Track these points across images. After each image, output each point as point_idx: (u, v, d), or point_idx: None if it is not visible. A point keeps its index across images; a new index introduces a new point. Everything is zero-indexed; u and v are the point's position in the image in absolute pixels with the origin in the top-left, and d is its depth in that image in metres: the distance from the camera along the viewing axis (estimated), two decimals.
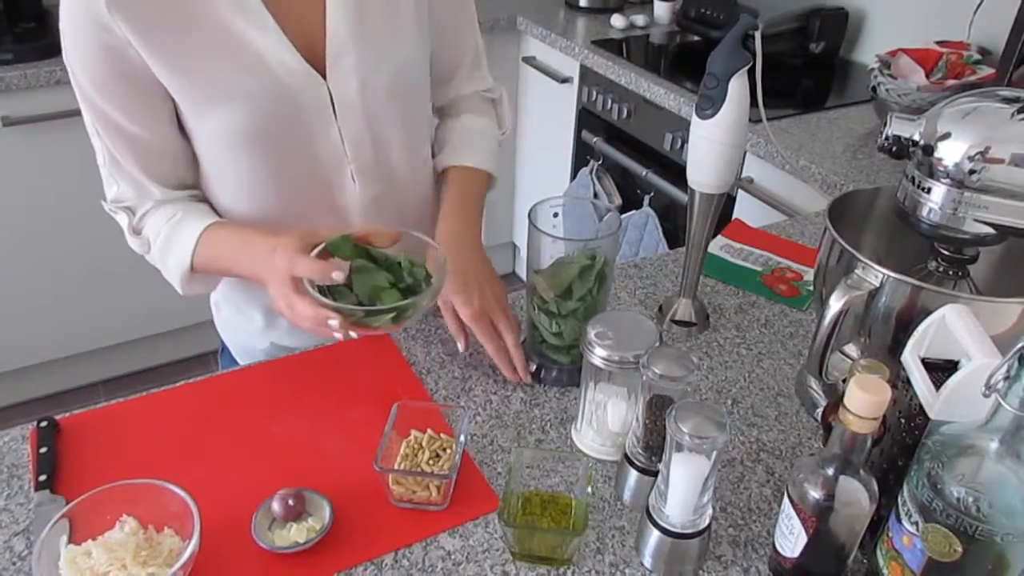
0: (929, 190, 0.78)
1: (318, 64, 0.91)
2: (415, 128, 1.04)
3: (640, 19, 2.41)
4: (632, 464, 0.81)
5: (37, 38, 2.02)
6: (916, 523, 0.63)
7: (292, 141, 0.94)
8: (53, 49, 1.98)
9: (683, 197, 1.91)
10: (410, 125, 1.02)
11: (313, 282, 0.81)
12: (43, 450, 0.83)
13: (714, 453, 0.68)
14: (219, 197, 1.00)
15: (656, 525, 0.73)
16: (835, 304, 0.78)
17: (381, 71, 0.95)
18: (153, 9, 0.83)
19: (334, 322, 0.79)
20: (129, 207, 0.96)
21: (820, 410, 0.91)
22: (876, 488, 0.66)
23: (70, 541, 0.70)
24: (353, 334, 0.81)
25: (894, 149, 0.80)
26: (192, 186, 0.99)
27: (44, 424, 0.86)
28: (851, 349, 0.87)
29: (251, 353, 1.18)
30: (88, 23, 0.82)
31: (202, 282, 0.99)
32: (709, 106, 0.90)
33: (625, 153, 2.14)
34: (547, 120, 2.51)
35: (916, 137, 0.79)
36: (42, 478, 0.81)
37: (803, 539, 0.69)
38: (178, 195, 0.97)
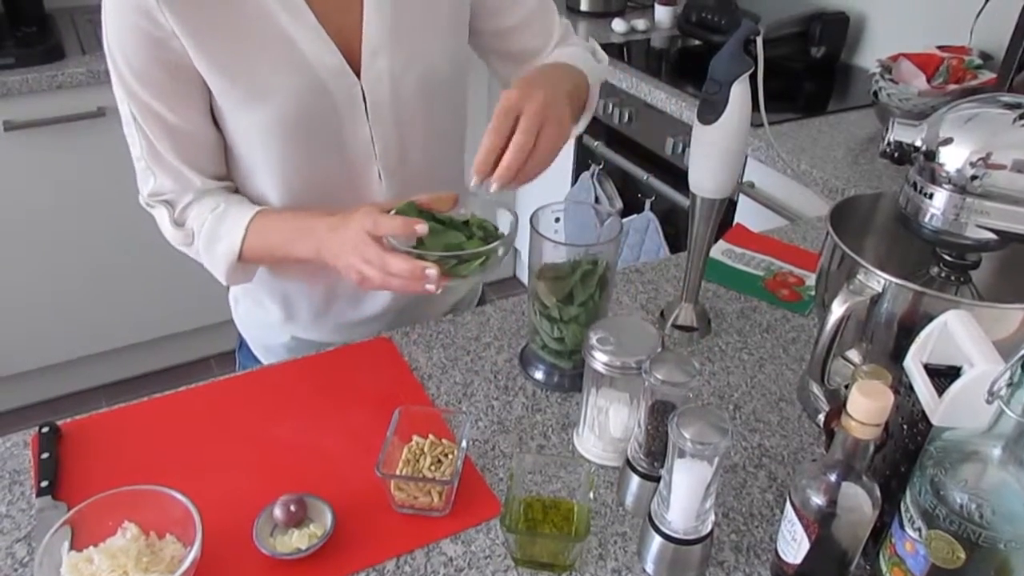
0: (931, 195, 0.78)
1: (353, 62, 0.92)
2: (441, 129, 1.04)
3: (641, 23, 2.41)
4: (634, 470, 0.80)
5: (39, 42, 2.02)
6: (919, 529, 0.63)
7: (324, 137, 0.95)
8: (55, 53, 1.99)
9: (684, 201, 1.91)
10: (437, 126, 1.02)
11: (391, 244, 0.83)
12: (44, 456, 0.83)
13: (716, 459, 0.68)
14: (249, 190, 1.00)
15: (658, 531, 0.73)
16: (837, 310, 0.78)
17: (411, 70, 0.95)
18: (199, 1, 0.83)
19: (432, 271, 0.80)
20: (168, 200, 0.96)
21: (822, 415, 0.91)
22: (879, 494, 0.66)
23: (72, 547, 0.70)
24: (434, 288, 0.82)
25: (896, 155, 0.80)
26: (226, 178, 1.00)
27: (45, 430, 0.86)
28: (853, 355, 0.87)
29: (271, 348, 1.18)
30: (132, 11, 0.83)
31: (245, 272, 1.00)
32: (711, 111, 0.90)
33: (626, 157, 2.14)
34: None
35: (918, 143, 0.79)
36: (43, 484, 0.81)
37: (806, 545, 0.69)
38: (217, 185, 0.97)
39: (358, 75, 0.92)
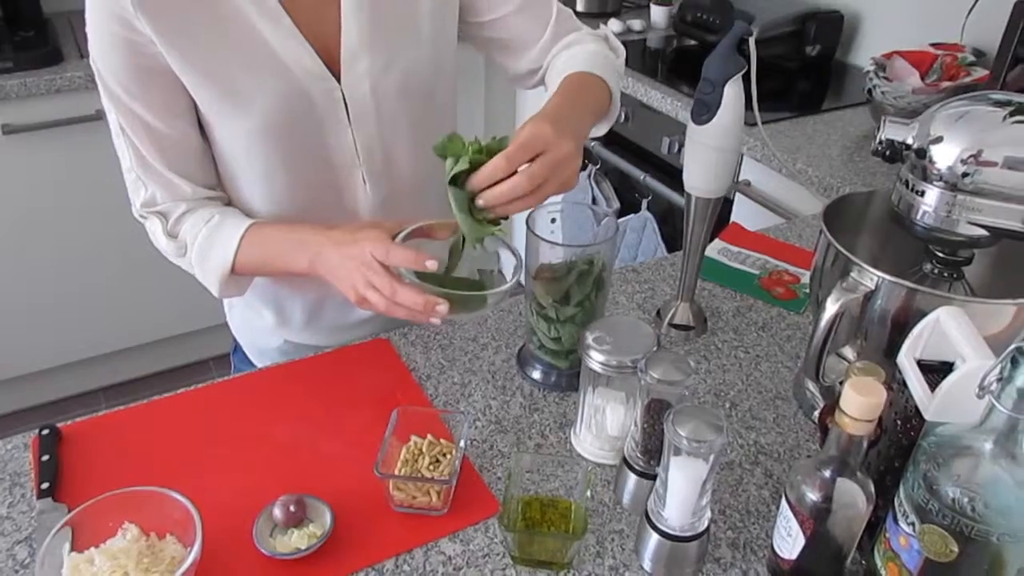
0: (923, 193, 0.79)
1: (332, 66, 0.92)
2: (425, 131, 1.04)
3: (637, 24, 2.42)
4: (631, 468, 0.81)
5: (37, 46, 2.03)
6: (912, 524, 0.63)
7: (306, 142, 0.95)
8: (53, 57, 2.00)
9: (681, 201, 1.92)
10: (420, 128, 1.02)
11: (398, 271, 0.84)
12: (45, 458, 0.84)
13: (712, 456, 0.69)
14: (235, 196, 1.01)
15: (655, 528, 0.74)
16: (831, 307, 0.79)
17: (391, 72, 0.95)
18: (177, 7, 0.84)
19: (443, 307, 0.81)
20: (161, 211, 0.96)
21: (817, 412, 0.92)
22: (873, 490, 0.67)
23: (72, 549, 0.71)
24: (438, 321, 0.83)
25: (888, 153, 0.81)
26: (216, 186, 1.00)
27: (46, 432, 0.87)
28: (847, 351, 0.88)
29: (265, 352, 1.19)
30: (111, 19, 0.84)
31: (238, 285, 1.00)
32: (705, 111, 0.90)
33: (623, 157, 2.14)
34: None
35: (909, 140, 0.79)
36: (44, 486, 0.81)
37: (801, 541, 0.70)
38: (208, 194, 0.98)
39: (338, 79, 0.93)
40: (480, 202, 0.80)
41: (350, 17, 0.91)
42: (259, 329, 1.17)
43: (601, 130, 1.06)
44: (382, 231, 0.85)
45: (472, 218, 0.82)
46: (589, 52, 1.03)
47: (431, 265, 0.80)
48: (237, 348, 1.24)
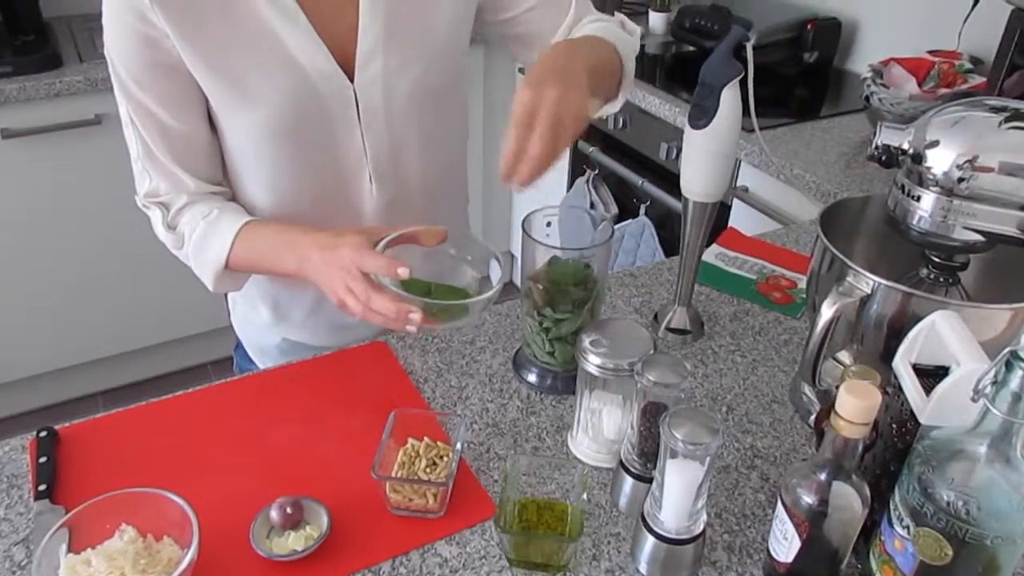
0: (919, 198, 0.79)
1: (348, 67, 0.93)
2: (437, 136, 1.05)
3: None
4: (627, 471, 0.81)
5: (37, 51, 2.03)
6: (907, 527, 0.63)
7: (316, 141, 0.96)
8: (53, 62, 2.00)
9: (679, 206, 1.92)
10: (429, 131, 1.03)
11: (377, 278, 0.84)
12: (42, 460, 0.84)
13: (707, 459, 0.69)
14: (241, 191, 1.01)
15: (651, 531, 0.74)
16: (827, 311, 0.79)
17: (405, 74, 0.96)
18: (192, 2, 0.84)
19: (416, 315, 0.81)
20: (163, 202, 0.97)
21: (814, 416, 0.92)
22: (868, 493, 0.67)
23: (70, 550, 0.71)
24: (415, 329, 0.83)
25: (884, 158, 0.81)
26: (221, 182, 1.01)
27: (43, 434, 0.87)
28: (844, 356, 0.88)
29: (264, 349, 1.19)
30: (127, 12, 0.84)
31: (233, 280, 1.00)
32: (702, 116, 0.91)
33: (621, 163, 2.15)
34: None
35: (905, 146, 0.80)
36: (41, 488, 0.81)
37: (797, 544, 0.70)
38: (212, 189, 0.98)
39: (351, 79, 0.93)
40: (515, 188, 0.79)
41: (367, 17, 0.91)
42: (258, 326, 1.17)
43: (615, 106, 1.03)
44: (363, 237, 0.85)
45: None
46: (598, 26, 1.03)
47: (403, 273, 0.81)
48: (239, 345, 1.25)
